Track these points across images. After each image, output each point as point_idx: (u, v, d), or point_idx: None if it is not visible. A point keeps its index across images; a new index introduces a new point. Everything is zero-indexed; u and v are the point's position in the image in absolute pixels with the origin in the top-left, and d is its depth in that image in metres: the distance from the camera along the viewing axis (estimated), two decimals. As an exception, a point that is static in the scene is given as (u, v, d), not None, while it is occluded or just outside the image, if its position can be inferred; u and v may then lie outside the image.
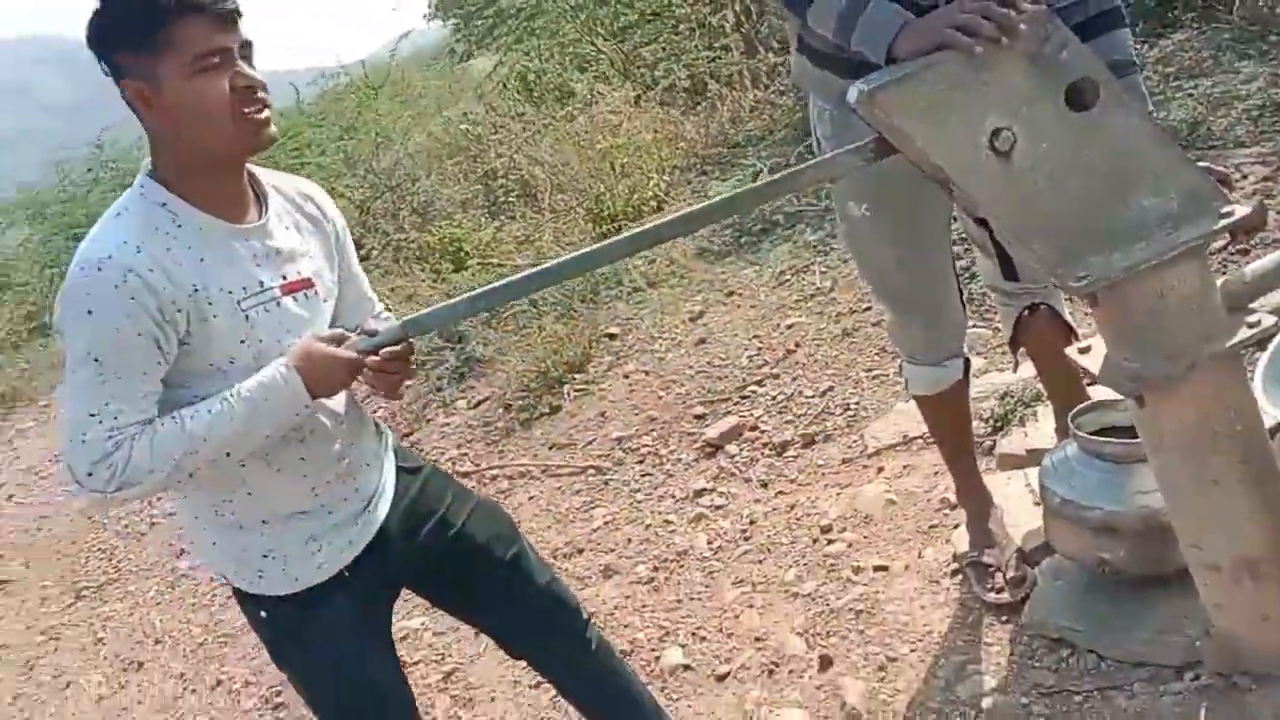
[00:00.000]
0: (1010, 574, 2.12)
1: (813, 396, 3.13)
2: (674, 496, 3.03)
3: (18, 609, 4.37)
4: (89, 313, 1.32)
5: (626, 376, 3.75)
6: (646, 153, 5.22)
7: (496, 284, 1.52)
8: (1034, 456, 2.41)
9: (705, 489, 2.98)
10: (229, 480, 1.48)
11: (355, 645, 1.59)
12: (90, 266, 1.32)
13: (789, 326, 3.54)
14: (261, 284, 1.44)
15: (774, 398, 3.22)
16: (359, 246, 6.31)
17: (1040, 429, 2.47)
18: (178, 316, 1.35)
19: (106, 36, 1.36)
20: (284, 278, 1.47)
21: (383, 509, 1.62)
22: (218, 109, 1.35)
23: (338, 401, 1.55)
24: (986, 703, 1.96)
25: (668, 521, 2.93)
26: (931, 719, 2.00)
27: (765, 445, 3.04)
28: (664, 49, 6.24)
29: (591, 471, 3.35)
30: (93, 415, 1.34)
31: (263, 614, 1.56)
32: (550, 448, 3.59)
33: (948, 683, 2.04)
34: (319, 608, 1.54)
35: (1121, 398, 1.97)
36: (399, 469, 1.67)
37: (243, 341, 1.41)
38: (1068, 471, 1.91)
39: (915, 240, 1.94)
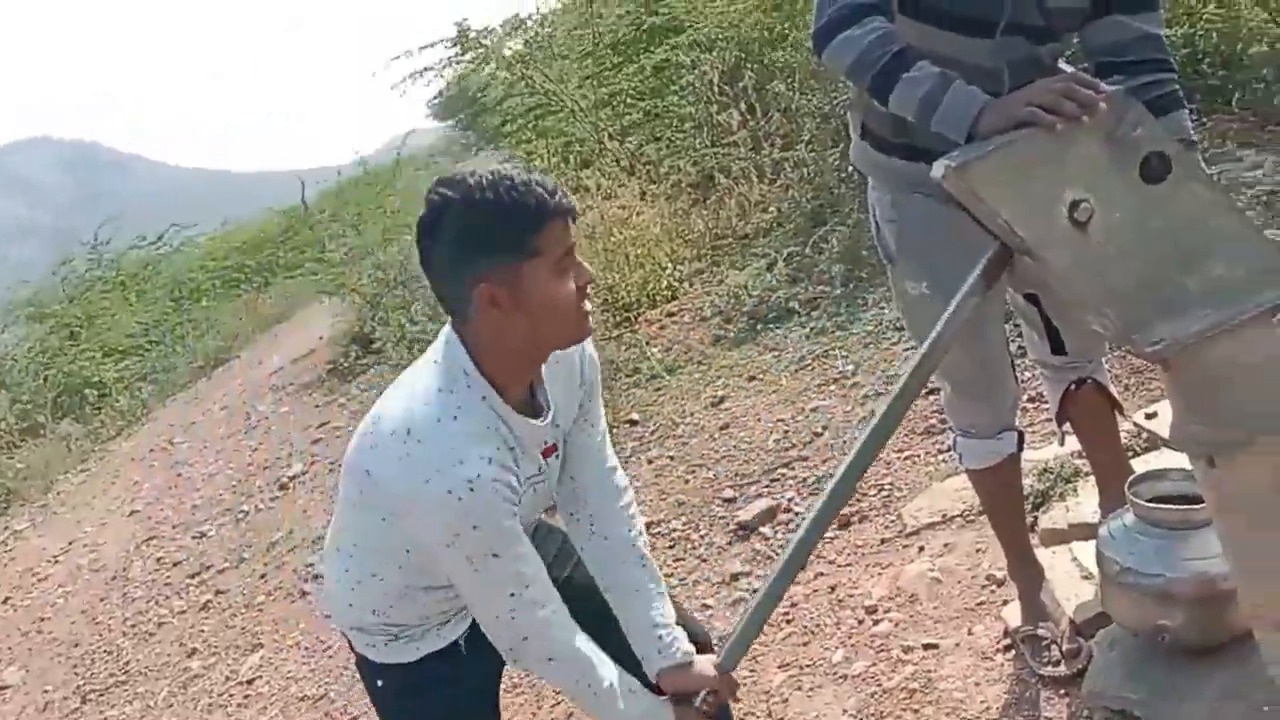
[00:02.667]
0: (1065, 646, 2.12)
1: (845, 478, 3.15)
2: (709, 580, 3.02)
3: (17, 715, 4.25)
4: (474, 528, 1.42)
5: (651, 462, 3.76)
6: (656, 245, 5.34)
7: (779, 568, 1.62)
8: (1076, 531, 2.44)
9: (741, 572, 2.98)
10: (399, 593, 1.61)
11: (467, 704, 1.70)
12: (462, 488, 1.39)
13: (813, 410, 3.59)
14: (540, 469, 1.57)
15: (804, 480, 3.25)
16: (369, 342, 6.44)
17: (1081, 504, 2.50)
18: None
19: (468, 239, 1.38)
20: (544, 445, 1.59)
21: None
22: (568, 305, 1.43)
23: None
24: (1052, 777, 1.95)
25: (705, 606, 2.92)
26: (998, 795, 1.98)
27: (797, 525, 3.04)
28: (668, 146, 6.43)
29: (621, 557, 3.34)
30: (512, 595, 1.49)
31: (379, 683, 1.67)
32: (576, 534, 3.58)
33: (1011, 758, 2.03)
34: (434, 675, 1.65)
35: (1172, 468, 2.03)
36: None
37: (515, 515, 1.50)
38: (1126, 540, 1.94)
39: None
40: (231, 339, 9.78)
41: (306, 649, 3.61)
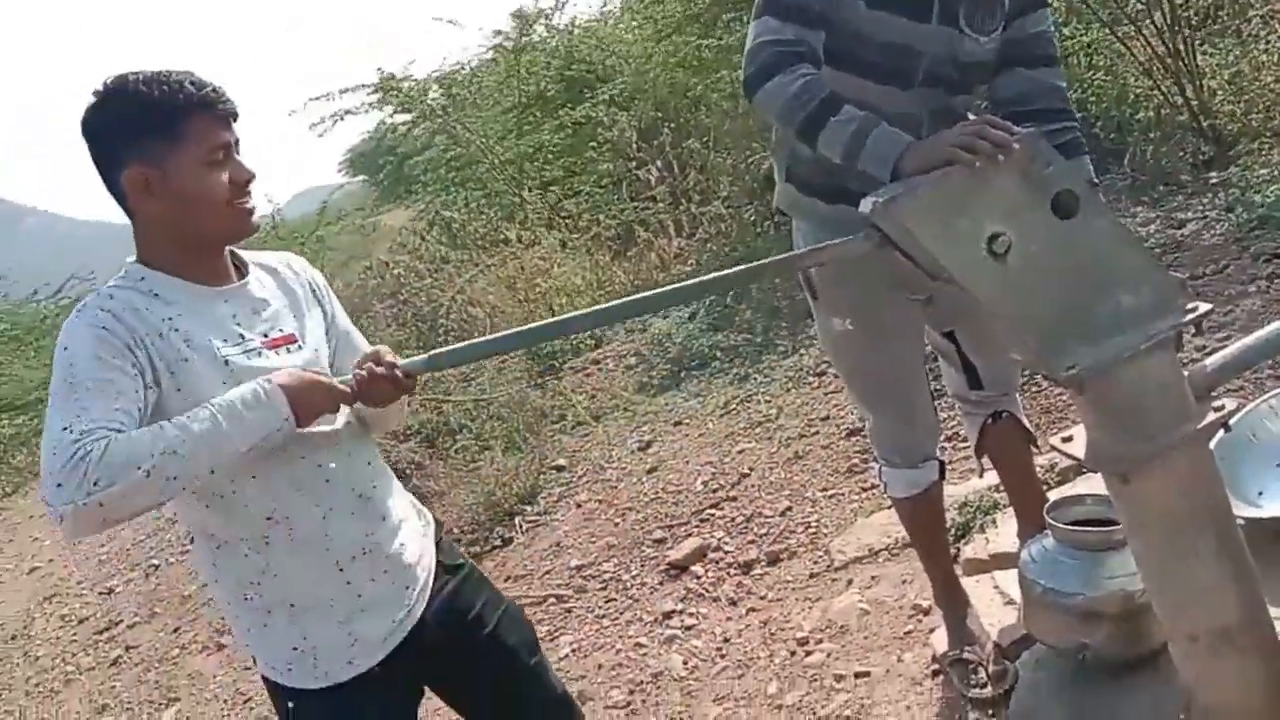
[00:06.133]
0: (992, 668, 2.20)
1: (772, 516, 3.22)
2: (642, 620, 3.05)
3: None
4: (65, 349, 1.38)
5: (579, 506, 3.78)
6: (578, 294, 5.42)
7: (519, 330, 1.58)
8: (997, 560, 2.54)
9: (674, 610, 3.01)
10: (253, 560, 1.50)
11: None
12: (70, 321, 1.41)
13: (739, 452, 3.66)
14: (242, 337, 1.49)
15: (733, 519, 3.31)
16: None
17: (1000, 534, 2.60)
18: (151, 351, 1.40)
19: (120, 125, 1.44)
20: (265, 335, 1.52)
21: (420, 605, 1.62)
22: (218, 197, 1.46)
23: (359, 473, 1.58)
24: (983, 795, 2.01)
25: (639, 645, 2.94)
26: (931, 816, 2.03)
27: (730, 565, 3.10)
28: (587, 201, 6.55)
29: (552, 601, 3.34)
30: (65, 429, 1.31)
31: (290, 705, 1.57)
32: (505, 580, 3.57)
33: (943, 779, 2.09)
34: (347, 707, 1.55)
35: (1087, 494, 2.14)
36: (439, 564, 1.69)
37: (224, 384, 1.43)
38: (1047, 562, 2.03)
39: (892, 350, 2.09)
40: (137, 393, 9.47)
41: (226, 701, 3.51)
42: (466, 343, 1.58)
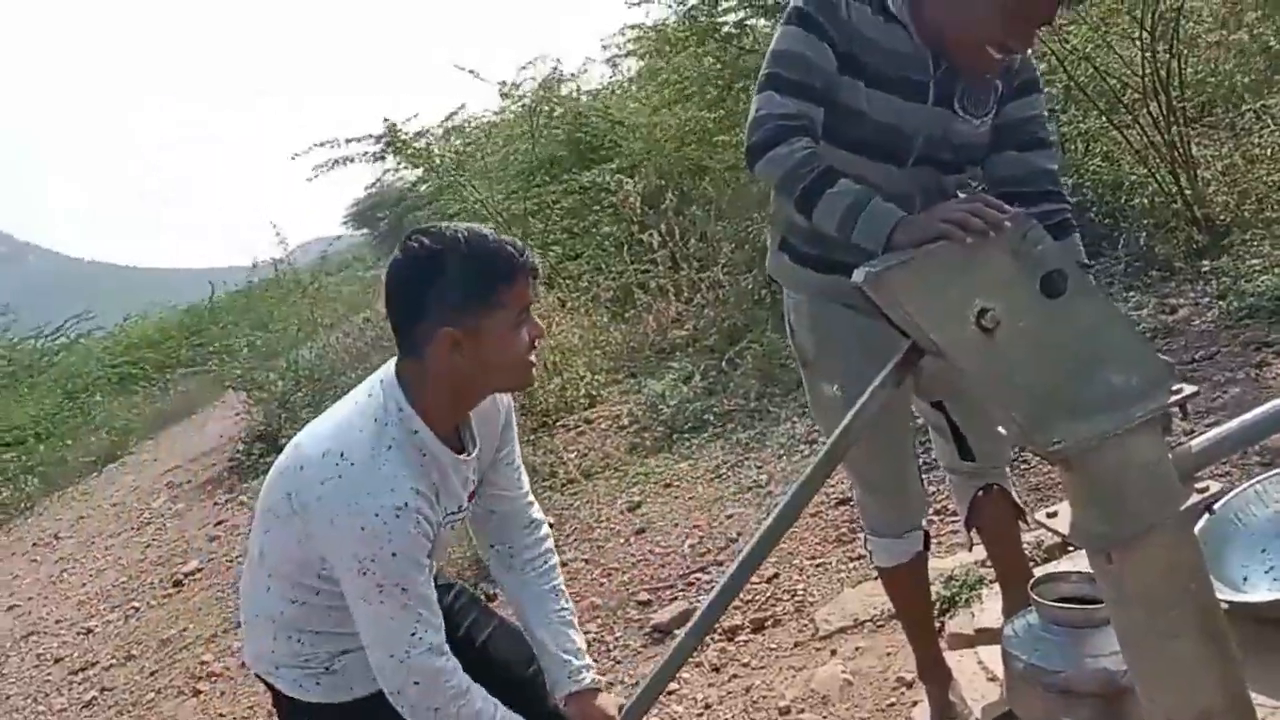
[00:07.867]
0: (973, 746, 2.19)
1: (759, 583, 3.21)
2: (623, 683, 3.02)
3: None
4: (394, 555, 1.46)
5: (566, 565, 3.76)
6: (575, 354, 5.45)
7: (684, 638, 1.57)
8: (982, 636, 2.53)
9: (656, 674, 2.98)
10: (329, 620, 1.63)
11: None
12: (388, 513, 1.46)
13: (728, 517, 3.66)
14: (461, 506, 1.63)
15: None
16: (275, 439, 6.31)
17: (985, 610, 2.60)
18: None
19: (442, 286, 1.47)
20: (471, 483, 1.66)
21: None
22: (520, 356, 1.52)
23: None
24: None
25: (620, 708, 2.90)
26: None
27: (715, 630, 3.08)
28: (588, 263, 6.62)
29: (533, 659, 3.31)
30: (413, 635, 1.50)
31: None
32: (488, 636, 3.54)
33: None
34: (368, 714, 1.63)
35: (1072, 570, 2.15)
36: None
37: (429, 552, 1.56)
38: (1030, 638, 2.03)
39: (881, 420, 2.11)
40: (126, 435, 9.50)
41: (198, 749, 3.46)
42: (647, 683, 1.61)
